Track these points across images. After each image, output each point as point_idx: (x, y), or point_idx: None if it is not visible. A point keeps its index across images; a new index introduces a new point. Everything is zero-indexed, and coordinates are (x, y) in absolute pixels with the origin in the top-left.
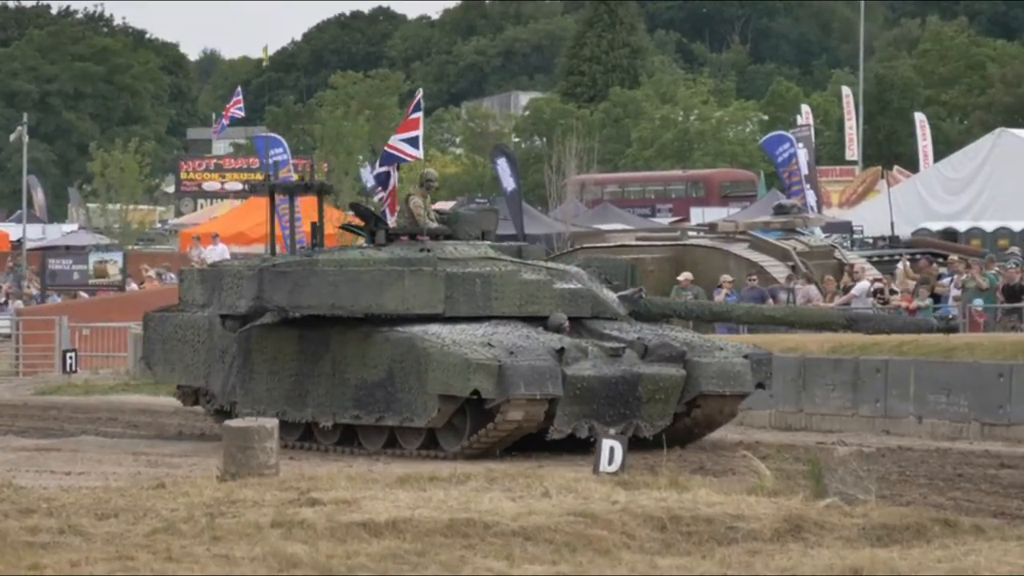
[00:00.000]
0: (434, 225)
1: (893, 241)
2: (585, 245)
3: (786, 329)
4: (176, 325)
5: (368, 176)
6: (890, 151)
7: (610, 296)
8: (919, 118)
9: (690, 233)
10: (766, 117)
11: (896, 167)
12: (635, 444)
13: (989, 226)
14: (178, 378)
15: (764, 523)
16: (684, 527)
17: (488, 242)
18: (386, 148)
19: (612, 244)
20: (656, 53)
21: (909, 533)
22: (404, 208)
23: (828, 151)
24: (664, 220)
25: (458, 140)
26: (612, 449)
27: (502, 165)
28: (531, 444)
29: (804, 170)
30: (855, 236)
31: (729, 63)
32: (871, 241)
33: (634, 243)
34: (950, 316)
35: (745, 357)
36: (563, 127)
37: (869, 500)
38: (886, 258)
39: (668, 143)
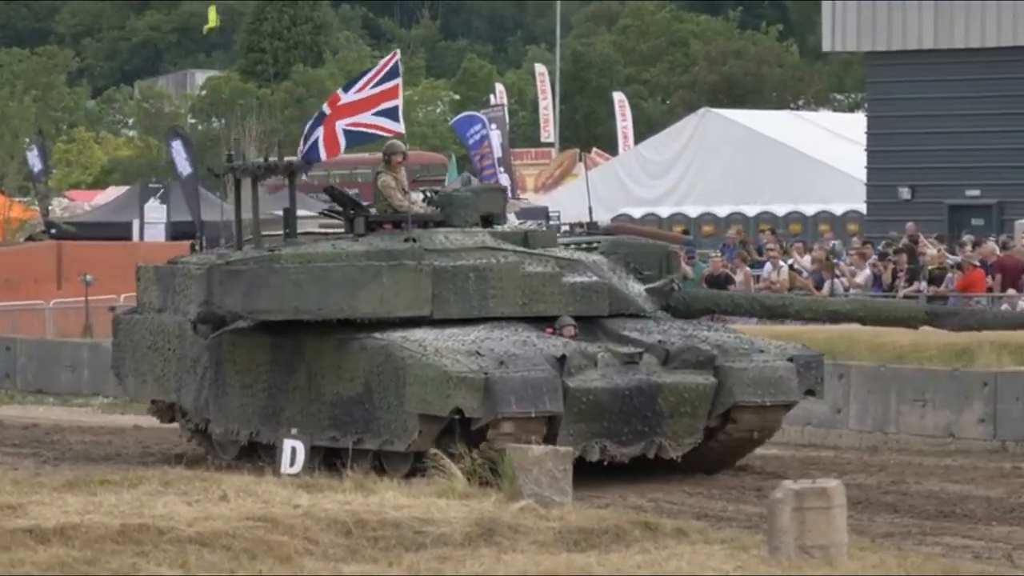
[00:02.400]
0: (419, 207)
1: (591, 228)
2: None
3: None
4: (147, 330)
5: (35, 159)
6: (588, 132)
7: (635, 289)
8: (618, 97)
9: None
10: (457, 97)
11: (595, 149)
12: (659, 465)
13: (693, 211)
14: (150, 391)
15: (455, 527)
16: (370, 532)
17: (488, 229)
18: (349, 127)
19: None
20: (341, 29)
21: (608, 536)
22: (375, 191)
23: (523, 132)
24: None
25: (131, 121)
26: (294, 450)
27: (177, 148)
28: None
29: (497, 152)
30: (551, 222)
31: (419, 40)
32: (568, 228)
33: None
34: None
35: (790, 360)
36: (243, 107)
37: (565, 502)
38: (584, 246)
39: None
